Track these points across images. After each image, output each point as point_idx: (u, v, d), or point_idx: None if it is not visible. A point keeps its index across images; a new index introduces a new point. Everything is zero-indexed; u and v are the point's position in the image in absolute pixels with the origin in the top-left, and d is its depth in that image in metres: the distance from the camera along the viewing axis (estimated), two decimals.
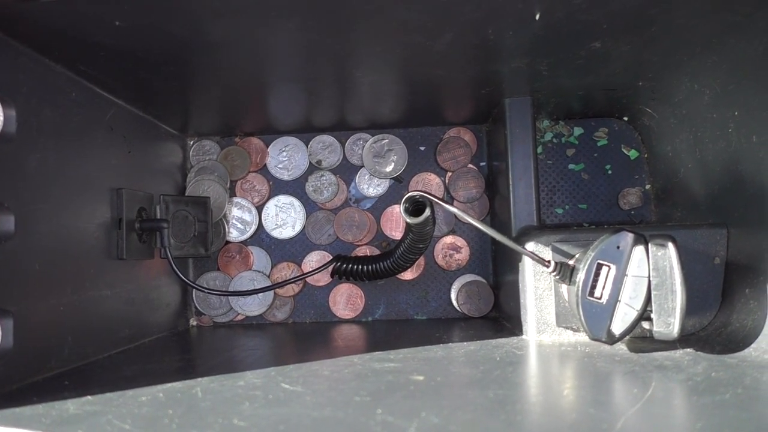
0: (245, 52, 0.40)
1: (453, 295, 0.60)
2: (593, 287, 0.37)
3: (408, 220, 0.44)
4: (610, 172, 0.59)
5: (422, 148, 0.62)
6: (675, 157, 0.52)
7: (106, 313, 0.45)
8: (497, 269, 0.59)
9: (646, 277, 0.36)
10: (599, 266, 0.37)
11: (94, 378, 0.38)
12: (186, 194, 0.60)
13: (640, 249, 0.37)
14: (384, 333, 0.53)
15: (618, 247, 0.37)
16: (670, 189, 0.54)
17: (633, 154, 0.59)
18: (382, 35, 0.38)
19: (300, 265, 0.61)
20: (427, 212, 0.43)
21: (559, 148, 0.60)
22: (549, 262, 0.40)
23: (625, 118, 0.59)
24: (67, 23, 0.35)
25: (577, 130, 0.60)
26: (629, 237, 0.37)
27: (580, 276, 0.37)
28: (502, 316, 0.58)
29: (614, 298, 0.37)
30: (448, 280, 0.61)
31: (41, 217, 0.38)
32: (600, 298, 0.37)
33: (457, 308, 0.59)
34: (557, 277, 0.40)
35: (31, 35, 0.36)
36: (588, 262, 0.37)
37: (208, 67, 0.43)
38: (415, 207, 0.45)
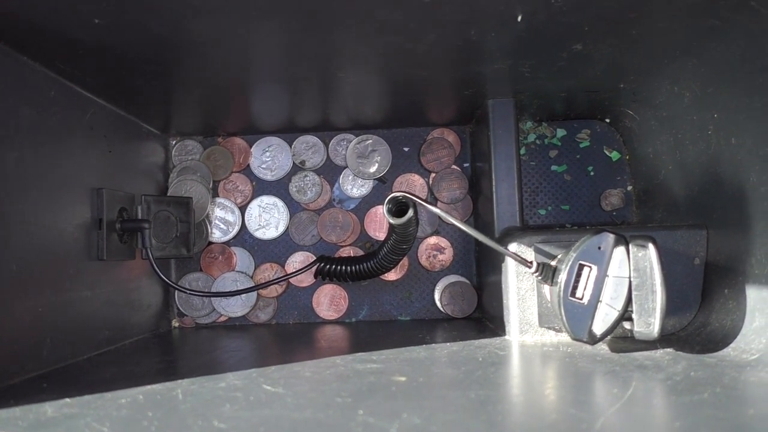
0: (227, 51, 0.40)
1: (436, 296, 0.60)
2: (575, 288, 0.37)
3: (391, 221, 0.44)
4: (592, 173, 0.60)
5: (406, 149, 0.62)
6: (656, 159, 0.53)
7: (85, 315, 0.45)
8: (480, 270, 0.59)
9: (627, 277, 0.36)
10: (581, 267, 0.37)
11: (72, 380, 0.37)
12: (168, 194, 0.59)
13: (620, 250, 0.37)
14: (367, 334, 0.53)
15: (599, 248, 0.37)
16: (651, 190, 0.55)
17: (615, 155, 0.59)
18: (364, 36, 0.38)
19: (283, 266, 0.61)
20: (410, 213, 0.43)
21: (542, 149, 0.60)
22: (531, 263, 0.40)
23: (607, 120, 0.60)
24: (46, 20, 0.34)
25: (560, 132, 0.60)
26: (610, 238, 0.37)
27: (562, 276, 0.38)
28: (485, 317, 0.58)
29: (595, 298, 0.37)
30: (431, 280, 0.61)
31: (19, 217, 0.37)
32: (581, 299, 0.37)
33: (441, 309, 0.60)
34: (539, 277, 0.40)
35: (8, 32, 0.36)
36: (570, 262, 0.38)
37: (190, 66, 0.43)
38: (399, 208, 0.45)
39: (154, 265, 0.51)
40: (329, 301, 0.60)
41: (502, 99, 0.53)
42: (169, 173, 0.61)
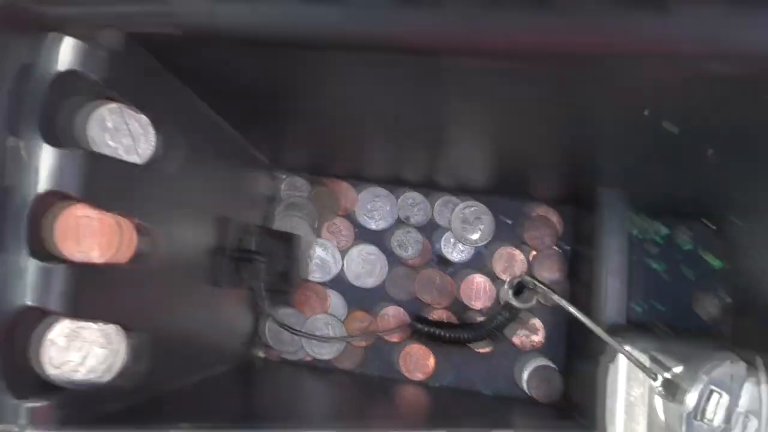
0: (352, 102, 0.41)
1: (524, 377, 0.59)
2: (703, 412, 0.37)
3: (514, 303, 0.44)
4: (691, 277, 0.59)
5: (509, 222, 0.62)
6: (759, 273, 0.52)
7: (194, 339, 0.46)
8: (571, 359, 0.58)
9: (758, 416, 0.36)
10: (711, 392, 0.37)
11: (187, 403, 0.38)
12: (273, 227, 0.61)
13: (751, 382, 0.36)
14: (449, 403, 0.53)
15: (731, 377, 0.37)
16: (750, 305, 0.54)
17: (716, 263, 0.59)
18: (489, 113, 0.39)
19: (375, 317, 0.61)
20: (535, 300, 0.44)
21: (643, 244, 0.60)
22: (656, 375, 0.40)
23: (713, 226, 0.59)
24: (212, 64, 0.36)
25: (664, 230, 0.60)
26: (742, 369, 0.37)
27: (691, 397, 0.37)
28: (571, 407, 0.57)
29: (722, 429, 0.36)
30: (520, 360, 0.60)
31: (162, 241, 0.39)
32: (709, 424, 0.37)
33: (526, 390, 0.59)
34: (662, 391, 0.40)
35: (180, 67, 0.37)
36: (700, 385, 0.37)
37: (314, 109, 0.44)
38: (518, 289, 0.45)
39: (263, 299, 0.52)
40: (416, 362, 0.60)
41: (613, 189, 0.53)
42: (275, 206, 0.62)
